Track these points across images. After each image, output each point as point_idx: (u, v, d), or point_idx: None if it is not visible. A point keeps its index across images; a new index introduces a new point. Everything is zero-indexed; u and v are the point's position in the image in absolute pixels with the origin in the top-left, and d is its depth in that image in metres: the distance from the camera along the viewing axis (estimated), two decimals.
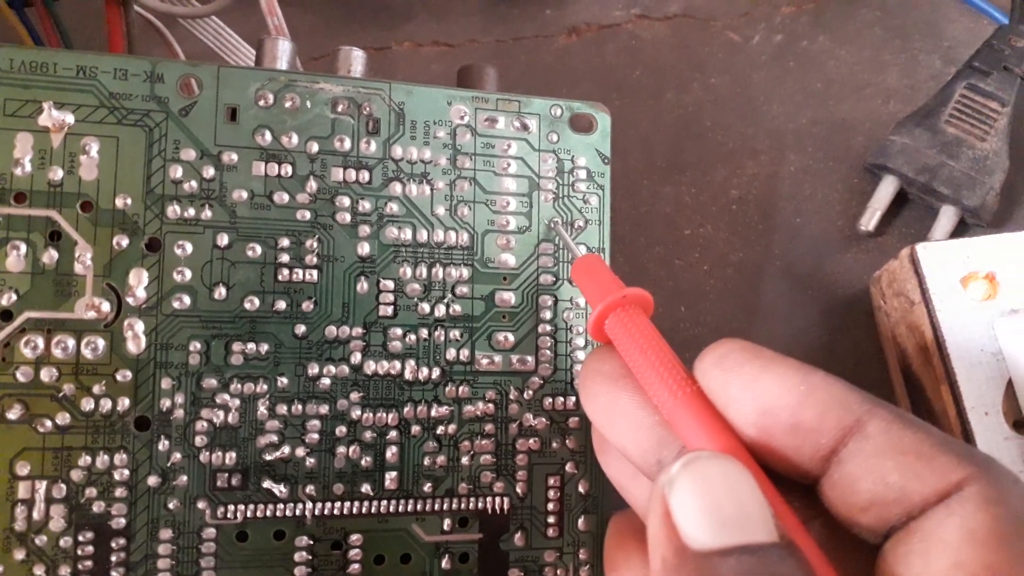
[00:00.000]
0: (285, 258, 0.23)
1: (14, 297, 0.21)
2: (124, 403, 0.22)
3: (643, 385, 0.19)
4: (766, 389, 0.17)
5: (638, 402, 0.19)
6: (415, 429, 0.24)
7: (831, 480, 0.17)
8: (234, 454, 0.22)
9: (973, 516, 0.15)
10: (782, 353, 0.18)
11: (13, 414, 0.21)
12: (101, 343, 0.22)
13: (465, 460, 0.24)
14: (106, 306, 0.22)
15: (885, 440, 0.16)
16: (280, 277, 0.23)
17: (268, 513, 0.22)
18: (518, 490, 0.24)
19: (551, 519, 0.24)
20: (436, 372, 0.24)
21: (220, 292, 0.22)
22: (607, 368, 0.20)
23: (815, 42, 0.36)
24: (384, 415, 0.23)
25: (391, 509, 0.23)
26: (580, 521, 0.25)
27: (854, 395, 0.17)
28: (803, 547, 0.16)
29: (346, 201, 0.23)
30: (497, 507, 0.24)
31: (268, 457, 0.23)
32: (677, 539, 0.16)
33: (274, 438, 0.23)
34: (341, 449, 0.23)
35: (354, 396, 0.23)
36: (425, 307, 0.24)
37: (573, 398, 0.25)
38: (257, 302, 0.23)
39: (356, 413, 0.23)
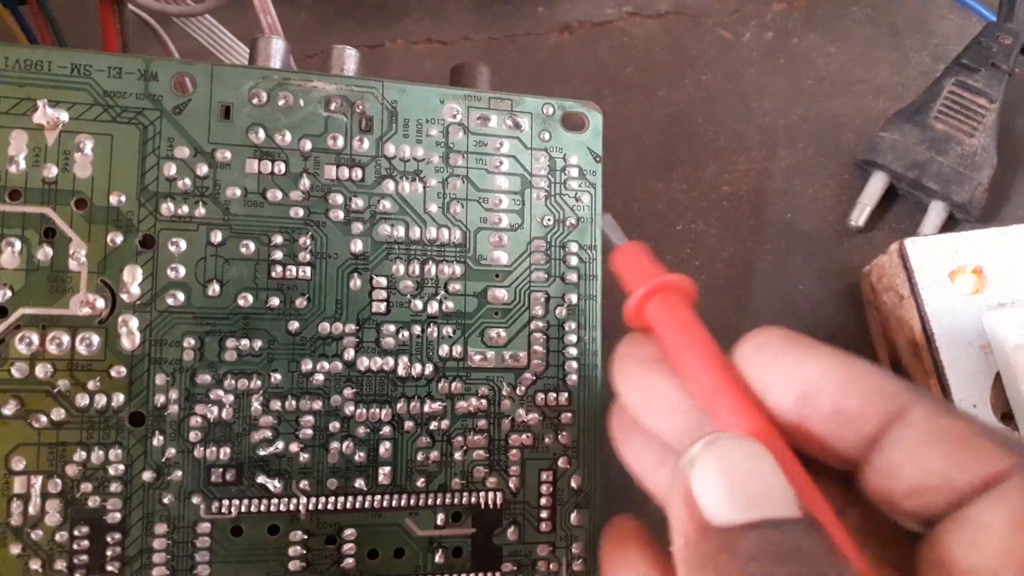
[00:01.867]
0: (278, 255, 0.23)
1: (9, 293, 0.21)
2: (119, 399, 0.22)
3: (681, 367, 0.19)
4: (808, 375, 0.17)
5: (675, 386, 0.19)
6: (408, 425, 0.24)
7: (873, 467, 0.17)
8: (228, 449, 0.22)
9: (1021, 504, 0.15)
10: None
11: (8, 410, 0.21)
12: (96, 339, 0.22)
13: (458, 455, 0.24)
14: (100, 303, 0.22)
15: (929, 428, 0.16)
16: (273, 274, 0.23)
17: (262, 508, 0.23)
18: (511, 485, 0.24)
19: (544, 514, 0.25)
20: (429, 368, 0.24)
21: (214, 289, 0.23)
22: (643, 352, 0.20)
23: (806, 39, 0.36)
24: (377, 411, 0.24)
25: (384, 504, 0.23)
26: (573, 516, 0.25)
27: (897, 383, 0.17)
28: (825, 524, 0.16)
29: (339, 198, 0.24)
30: (490, 502, 0.24)
31: (262, 452, 0.23)
32: (699, 517, 0.16)
33: (268, 434, 0.23)
34: (335, 444, 0.23)
35: (347, 392, 0.23)
36: (418, 304, 0.24)
37: (566, 394, 0.25)
38: (251, 299, 0.23)
39: (349, 409, 0.23)
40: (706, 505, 0.16)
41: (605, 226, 0.24)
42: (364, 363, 0.24)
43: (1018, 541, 0.15)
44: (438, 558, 0.24)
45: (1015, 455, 0.16)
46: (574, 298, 0.25)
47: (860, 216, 0.33)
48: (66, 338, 0.22)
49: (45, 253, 0.22)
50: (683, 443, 0.19)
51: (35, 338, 0.21)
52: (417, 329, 0.24)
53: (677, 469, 0.17)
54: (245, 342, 0.23)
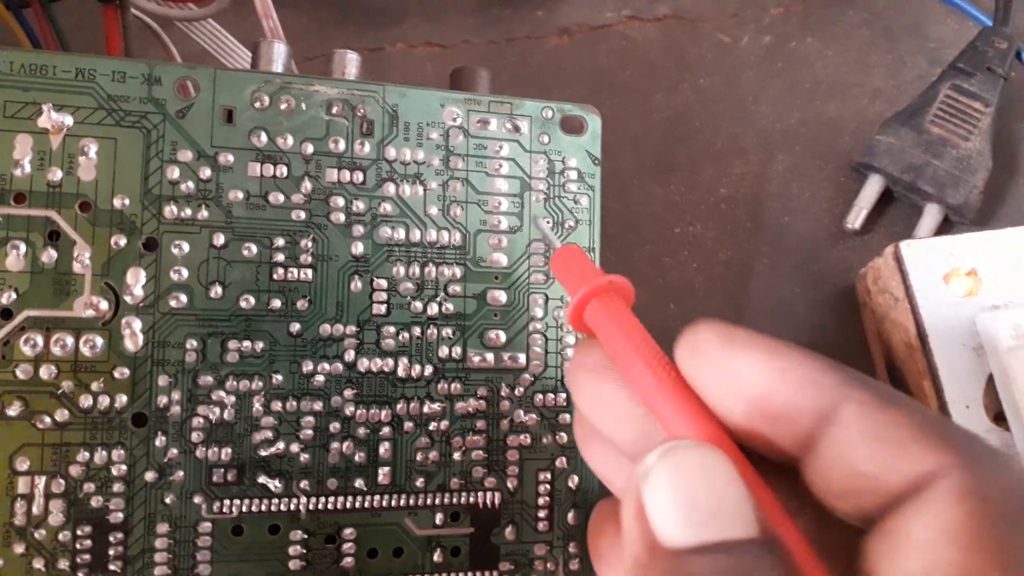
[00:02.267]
0: (280, 257, 0.23)
1: (14, 296, 0.22)
2: (122, 400, 0.22)
3: (623, 372, 0.19)
4: (737, 373, 0.16)
5: (624, 394, 0.19)
6: (408, 425, 0.24)
7: (808, 466, 0.16)
8: (230, 450, 0.23)
9: (945, 512, 0.14)
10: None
11: (13, 411, 0.21)
12: (99, 341, 0.22)
13: (457, 456, 0.24)
14: (104, 305, 0.22)
15: (858, 426, 0.15)
16: (275, 276, 0.23)
17: (263, 508, 0.23)
18: (509, 485, 0.25)
19: (541, 513, 0.25)
20: (429, 369, 0.24)
21: (216, 291, 0.23)
22: (590, 360, 0.19)
23: (803, 43, 0.36)
24: (377, 411, 0.24)
25: (384, 504, 0.24)
26: (570, 515, 0.25)
27: (829, 376, 0.16)
28: (788, 541, 0.15)
29: (340, 201, 0.24)
30: (488, 502, 0.24)
31: (263, 453, 0.23)
32: (649, 535, 0.15)
33: (269, 434, 0.23)
34: (335, 445, 0.23)
35: (348, 393, 0.24)
36: (418, 305, 0.24)
37: (564, 395, 0.25)
38: (253, 301, 0.23)
39: (350, 410, 0.24)
40: (657, 523, 0.15)
41: (540, 231, 0.25)
42: (364, 364, 0.24)
43: (939, 556, 0.14)
44: (436, 557, 0.24)
45: (946, 454, 0.15)
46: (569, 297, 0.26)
47: (856, 219, 0.33)
48: (70, 340, 0.22)
49: (49, 256, 0.22)
50: (635, 450, 0.18)
51: (39, 340, 0.22)
52: (417, 331, 0.24)
53: (630, 481, 0.16)
54: (247, 344, 0.23)
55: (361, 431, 0.24)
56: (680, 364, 0.17)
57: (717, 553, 0.14)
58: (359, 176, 0.24)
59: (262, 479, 0.23)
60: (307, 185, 0.24)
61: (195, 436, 0.23)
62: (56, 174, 0.22)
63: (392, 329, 0.24)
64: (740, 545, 0.14)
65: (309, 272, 0.24)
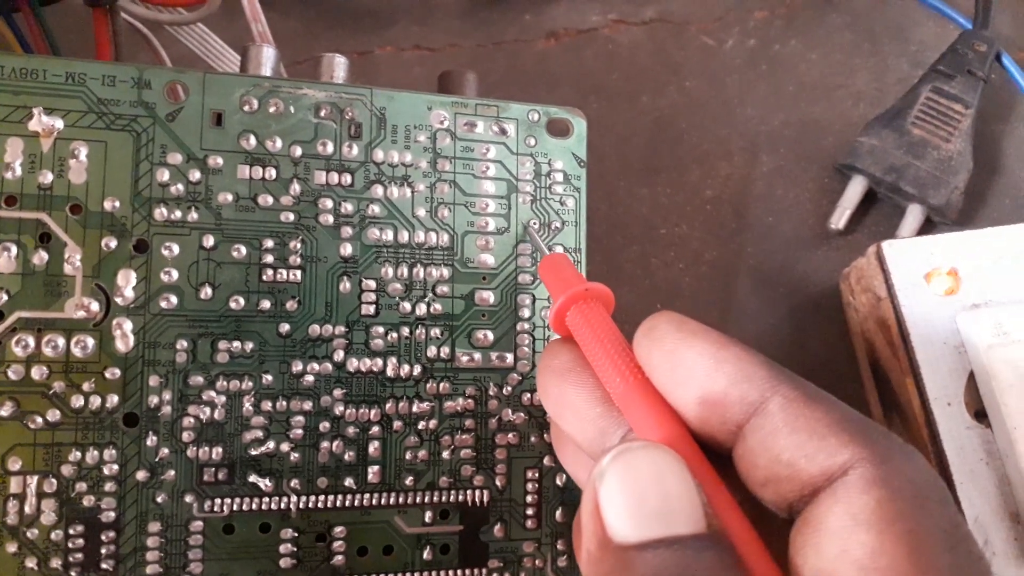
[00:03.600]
0: (269, 259, 0.24)
1: (5, 297, 0.22)
2: (113, 400, 0.22)
3: (598, 374, 0.19)
4: (681, 361, 0.17)
5: (583, 396, 0.20)
6: (397, 424, 0.24)
7: (737, 455, 0.17)
8: (220, 449, 0.23)
9: (856, 500, 0.15)
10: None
11: (5, 411, 0.22)
12: (90, 342, 0.22)
13: (446, 454, 0.25)
14: (95, 306, 0.22)
15: (782, 417, 0.16)
16: (264, 277, 0.24)
17: (254, 506, 0.23)
18: (497, 483, 0.25)
19: (529, 511, 0.25)
20: (417, 369, 0.25)
21: (206, 292, 0.23)
22: (556, 363, 0.20)
23: (787, 46, 0.37)
24: (367, 411, 0.24)
25: (374, 502, 0.24)
26: (557, 513, 0.25)
27: (762, 371, 0.17)
28: (738, 537, 0.16)
29: (329, 203, 0.24)
30: (477, 500, 0.25)
31: (253, 452, 0.23)
32: (602, 532, 0.16)
33: (259, 434, 0.23)
34: (325, 444, 0.24)
35: (337, 393, 0.24)
36: (406, 306, 0.25)
37: None
38: (242, 301, 0.23)
39: (339, 409, 0.24)
40: (609, 520, 0.16)
41: (529, 237, 0.25)
42: (354, 364, 0.24)
43: (853, 539, 0.15)
44: (426, 555, 0.24)
45: (858, 446, 0.16)
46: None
47: (840, 219, 0.33)
48: (61, 341, 0.22)
49: (41, 258, 0.22)
50: (594, 449, 0.20)
51: (31, 341, 0.22)
52: (406, 331, 0.25)
53: (589, 480, 0.17)
54: (237, 344, 0.23)
55: (351, 430, 0.24)
56: (636, 349, 0.19)
57: (661, 548, 0.15)
58: (347, 178, 0.24)
59: (253, 478, 0.23)
60: (296, 187, 0.24)
61: (186, 436, 0.23)
62: (47, 177, 0.22)
63: (381, 329, 0.24)
64: (684, 540, 0.15)
65: (298, 273, 0.24)
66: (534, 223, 0.26)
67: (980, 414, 0.27)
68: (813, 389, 0.17)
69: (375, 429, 0.24)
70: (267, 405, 0.23)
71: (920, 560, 0.15)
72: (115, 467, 0.22)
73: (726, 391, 0.17)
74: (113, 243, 0.23)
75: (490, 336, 0.25)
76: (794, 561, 0.16)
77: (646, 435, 0.18)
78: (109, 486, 0.22)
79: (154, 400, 0.23)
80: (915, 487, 0.16)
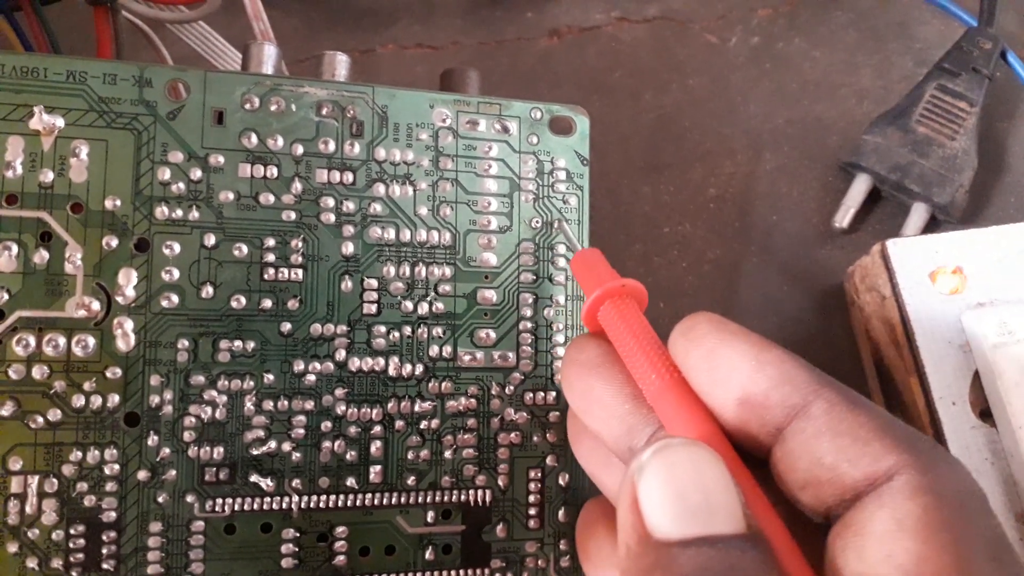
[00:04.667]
0: (271, 257, 0.24)
1: (6, 296, 0.22)
2: (114, 399, 0.22)
3: (631, 370, 0.19)
4: (721, 361, 0.18)
5: (612, 391, 0.20)
6: (399, 424, 0.24)
7: (775, 457, 0.17)
8: (222, 449, 0.23)
9: (902, 506, 0.15)
10: None
11: (5, 411, 0.21)
12: (91, 341, 0.22)
13: (448, 454, 0.25)
14: (96, 305, 0.22)
15: (825, 421, 0.16)
16: (266, 276, 0.24)
17: (255, 506, 0.23)
18: (500, 483, 0.25)
19: (532, 511, 0.25)
20: (419, 368, 0.24)
21: (207, 291, 0.23)
22: (584, 357, 0.20)
23: (791, 44, 0.37)
24: (368, 410, 0.24)
25: (375, 502, 0.24)
26: (560, 513, 0.25)
27: (804, 374, 0.17)
28: (774, 538, 0.16)
29: (330, 202, 0.24)
30: (479, 499, 0.25)
31: (255, 452, 0.23)
32: (642, 527, 0.16)
33: (261, 433, 0.23)
34: (326, 444, 0.24)
35: (339, 392, 0.24)
36: (408, 305, 0.25)
37: (553, 393, 0.25)
38: (244, 301, 0.23)
39: (341, 409, 0.24)
40: (649, 516, 0.16)
41: (563, 232, 0.25)
42: (355, 363, 0.24)
43: (898, 545, 0.15)
44: (428, 555, 0.24)
45: (904, 453, 0.16)
46: (562, 299, 0.26)
47: (844, 218, 0.33)
48: (62, 340, 0.22)
49: (41, 257, 0.22)
50: (620, 446, 0.20)
51: (32, 340, 0.22)
52: (407, 330, 0.24)
53: (627, 475, 0.17)
54: (238, 343, 0.23)
55: (352, 430, 0.24)
56: (672, 348, 0.19)
57: (703, 546, 0.15)
58: (349, 177, 0.24)
59: (254, 478, 0.23)
60: (297, 186, 0.24)
61: (187, 435, 0.23)
62: (48, 175, 0.22)
63: (383, 328, 0.24)
64: (725, 539, 0.15)
65: (300, 272, 0.24)
66: (561, 220, 0.26)
67: (985, 413, 0.26)
68: (855, 394, 0.17)
69: (377, 429, 0.24)
70: (268, 404, 0.23)
71: (966, 569, 0.15)
72: (116, 467, 0.22)
73: (767, 393, 0.17)
74: (114, 242, 0.22)
75: (492, 335, 0.25)
76: (835, 564, 0.16)
77: (681, 433, 0.18)
78: (110, 486, 0.22)
79: (155, 399, 0.23)
80: (960, 496, 0.16)
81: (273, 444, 0.23)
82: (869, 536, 0.15)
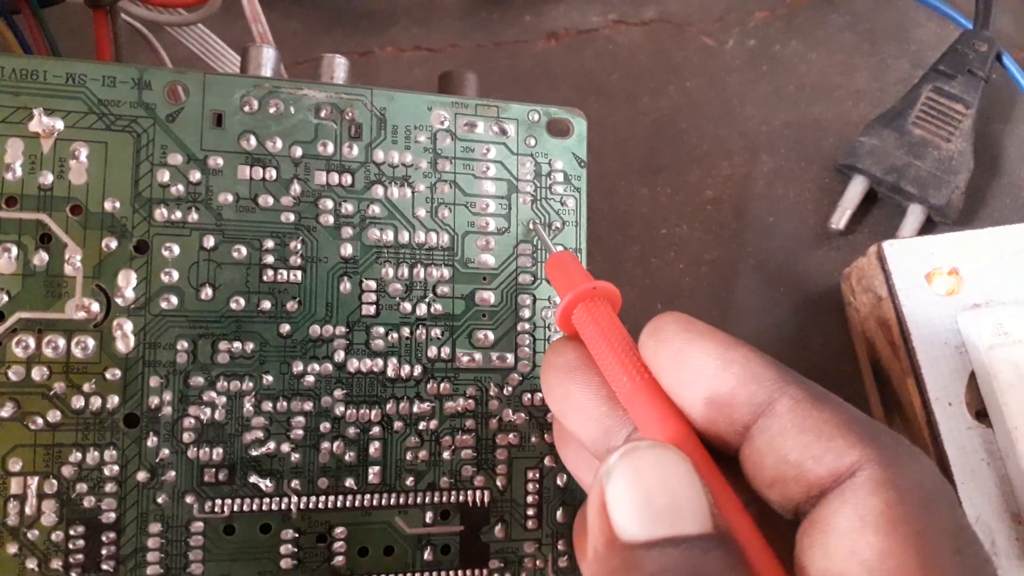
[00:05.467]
0: (270, 259, 0.24)
1: (5, 298, 0.22)
2: (113, 401, 0.22)
3: (604, 373, 0.19)
4: (688, 361, 0.18)
5: (589, 393, 0.20)
6: (397, 425, 0.24)
7: (744, 455, 0.17)
8: (221, 450, 0.23)
9: (864, 501, 0.15)
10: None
11: (5, 412, 0.22)
12: (91, 342, 0.22)
13: (446, 455, 0.25)
14: (96, 306, 0.22)
15: (790, 418, 0.16)
16: (265, 278, 0.24)
17: (254, 507, 0.23)
18: (498, 483, 0.25)
19: (530, 511, 0.25)
20: (418, 369, 0.25)
21: (206, 292, 0.23)
22: (561, 361, 0.21)
23: (787, 46, 0.37)
24: (367, 411, 0.24)
25: (374, 503, 0.24)
26: (558, 513, 0.25)
27: (770, 372, 0.17)
28: (744, 538, 0.16)
29: (329, 204, 0.24)
30: (478, 500, 0.25)
31: (254, 453, 0.23)
32: (609, 530, 0.16)
33: (260, 434, 0.23)
34: (325, 445, 0.24)
35: (338, 393, 0.24)
36: (407, 306, 0.25)
37: None
38: (243, 302, 0.23)
39: (340, 410, 0.24)
40: (616, 518, 0.16)
41: (536, 234, 0.25)
42: (354, 365, 0.24)
43: (861, 541, 0.15)
44: (427, 555, 0.24)
45: (867, 447, 0.16)
46: (559, 299, 0.26)
47: (840, 219, 0.33)
48: (62, 341, 0.22)
49: (41, 258, 0.22)
50: (598, 448, 0.20)
51: (31, 341, 0.22)
52: (406, 331, 0.25)
53: (595, 478, 0.17)
54: (237, 345, 0.23)
55: (351, 431, 0.24)
56: (642, 349, 0.19)
57: (668, 547, 0.15)
58: (348, 179, 0.24)
59: (253, 479, 0.23)
60: (296, 188, 0.24)
61: (186, 436, 0.23)
62: (47, 178, 0.22)
63: (381, 330, 0.24)
64: (691, 540, 0.15)
65: (299, 274, 0.24)
66: (535, 220, 0.26)
67: (981, 414, 0.27)
68: (821, 391, 0.17)
69: (376, 430, 0.24)
70: (268, 406, 0.23)
71: (929, 562, 0.15)
72: (116, 468, 0.22)
73: (734, 391, 0.17)
74: (113, 244, 0.23)
75: (490, 336, 0.25)
76: (800, 561, 0.16)
77: (652, 435, 0.18)
78: (110, 487, 0.22)
79: (155, 401, 0.23)
80: (923, 490, 0.16)
81: (272, 445, 0.23)
82: (833, 533, 0.15)
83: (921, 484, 0.16)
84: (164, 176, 0.23)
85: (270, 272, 0.24)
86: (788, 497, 0.17)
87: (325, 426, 0.24)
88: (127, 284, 0.23)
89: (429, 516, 0.24)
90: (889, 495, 0.15)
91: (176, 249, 0.23)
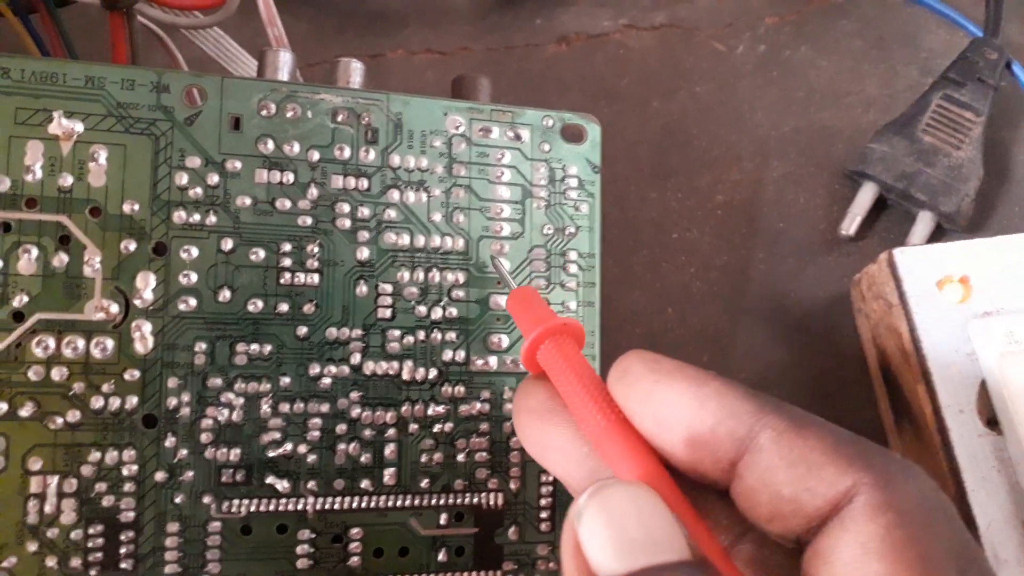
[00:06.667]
0: (287, 262, 0.24)
1: (26, 299, 0.22)
2: (132, 401, 0.22)
3: (573, 413, 0.19)
4: (660, 403, 0.17)
5: (567, 436, 0.19)
6: (413, 427, 0.24)
7: (735, 492, 0.17)
8: (238, 451, 0.23)
9: (864, 528, 0.15)
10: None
11: (25, 411, 0.22)
12: (110, 343, 0.22)
13: (461, 457, 0.25)
14: (114, 308, 0.22)
15: (775, 451, 0.16)
16: (282, 280, 0.24)
17: (271, 508, 0.23)
18: (512, 486, 0.25)
19: (543, 514, 0.25)
20: (433, 372, 0.25)
21: (224, 295, 0.23)
22: (533, 403, 0.20)
23: (797, 52, 0.37)
24: (383, 414, 0.24)
25: (390, 504, 0.24)
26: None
27: (747, 404, 0.17)
28: (721, 567, 0.16)
29: (346, 207, 0.24)
30: (492, 502, 0.25)
31: (271, 454, 0.23)
32: (586, 569, 0.16)
33: (277, 435, 0.23)
34: (341, 446, 0.24)
35: (354, 395, 0.24)
36: (422, 310, 0.25)
37: None
38: (260, 304, 0.23)
39: (356, 412, 0.24)
40: (592, 557, 0.16)
41: (497, 271, 0.25)
42: (370, 367, 0.24)
43: (866, 570, 0.15)
44: (441, 557, 0.24)
45: (858, 471, 0.15)
46: (573, 304, 0.26)
47: (850, 225, 0.33)
48: (81, 342, 0.22)
49: (61, 260, 0.22)
50: (582, 490, 0.19)
51: (51, 342, 0.22)
52: (421, 334, 0.25)
53: (567, 522, 0.16)
54: (255, 347, 0.23)
55: (367, 433, 0.24)
56: (611, 391, 0.18)
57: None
58: (364, 183, 0.25)
59: (270, 479, 0.23)
60: (313, 191, 0.24)
61: (204, 437, 0.23)
62: (67, 180, 0.22)
63: (397, 333, 0.25)
64: (672, 567, 0.15)
65: (316, 277, 0.24)
66: (492, 254, 0.26)
67: (992, 422, 0.27)
68: (800, 414, 0.17)
69: (391, 432, 0.24)
70: (284, 407, 0.23)
71: None
72: (134, 468, 0.22)
73: (713, 430, 0.17)
74: (132, 246, 0.23)
75: (505, 340, 0.25)
76: None
77: (622, 474, 0.17)
78: (128, 487, 0.22)
79: (173, 402, 0.23)
80: (922, 508, 0.15)
81: (289, 446, 0.23)
82: (837, 563, 0.15)
83: (919, 503, 0.16)
84: (182, 179, 0.23)
85: (287, 275, 0.24)
86: (789, 530, 0.16)
87: (341, 428, 0.24)
88: (146, 286, 0.23)
89: (444, 518, 0.25)
90: (888, 518, 0.15)
91: (194, 251, 0.23)
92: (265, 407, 0.23)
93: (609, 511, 0.16)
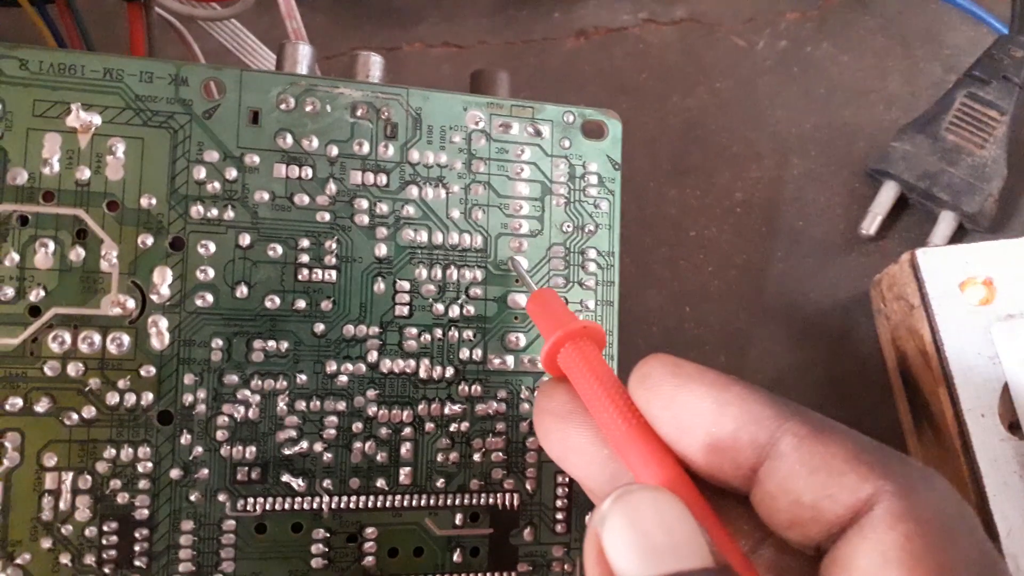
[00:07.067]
0: (305, 258, 0.24)
1: (42, 293, 0.22)
2: (148, 398, 0.22)
3: (594, 417, 0.19)
4: (682, 408, 0.17)
5: (588, 438, 0.19)
6: (429, 426, 0.24)
7: (756, 499, 0.17)
8: (254, 448, 0.23)
9: (884, 537, 0.15)
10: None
11: (41, 407, 0.22)
12: (126, 339, 0.22)
13: (477, 457, 0.25)
14: (131, 303, 0.22)
15: (796, 458, 0.16)
16: (300, 277, 0.24)
17: (286, 506, 0.23)
18: (527, 487, 0.25)
19: (559, 515, 0.25)
20: (450, 371, 0.25)
21: (242, 291, 0.23)
22: (554, 405, 0.20)
23: (819, 48, 0.37)
24: (399, 412, 0.24)
25: (405, 504, 0.24)
26: (587, 517, 0.25)
27: (768, 409, 0.17)
28: (743, 574, 0.16)
29: (364, 203, 0.24)
30: (507, 503, 0.25)
31: (287, 452, 0.23)
32: (610, 574, 0.16)
33: (293, 433, 0.23)
34: (357, 445, 0.24)
35: (370, 393, 0.24)
36: (440, 307, 0.25)
37: None
38: (277, 301, 0.23)
39: (372, 410, 0.24)
40: (616, 562, 0.16)
41: (516, 271, 0.25)
42: (387, 365, 0.24)
43: None
44: (456, 557, 0.24)
45: (879, 479, 0.15)
46: (592, 303, 0.26)
47: (871, 225, 0.33)
48: (97, 338, 0.22)
49: (77, 254, 0.22)
50: (604, 493, 0.19)
51: (67, 337, 0.22)
52: (439, 332, 0.25)
53: (589, 528, 0.16)
54: (272, 343, 0.23)
55: (383, 431, 0.24)
56: (633, 395, 0.18)
57: None
58: (383, 179, 0.24)
59: (286, 478, 0.23)
60: (332, 187, 0.24)
61: (220, 434, 0.23)
62: (84, 173, 0.22)
63: (414, 331, 0.24)
64: (695, 574, 0.15)
65: (333, 273, 0.24)
66: (512, 256, 0.25)
67: (1014, 426, 0.26)
68: (821, 421, 0.17)
69: (407, 430, 0.24)
70: (301, 405, 0.23)
71: None
72: (149, 465, 0.22)
73: (734, 435, 0.17)
74: (149, 240, 0.23)
75: (522, 339, 0.25)
76: None
77: (645, 479, 0.17)
78: (143, 484, 0.22)
79: (188, 398, 0.23)
80: (942, 517, 0.15)
81: (305, 444, 0.23)
82: (855, 571, 0.15)
83: (939, 512, 0.15)
84: (200, 173, 0.23)
85: (305, 271, 0.24)
86: (808, 536, 0.16)
87: (357, 426, 0.24)
88: (163, 281, 0.23)
89: (459, 518, 0.24)
90: (908, 527, 0.15)
91: (212, 247, 0.23)
92: (281, 404, 0.23)
93: (633, 517, 0.16)
